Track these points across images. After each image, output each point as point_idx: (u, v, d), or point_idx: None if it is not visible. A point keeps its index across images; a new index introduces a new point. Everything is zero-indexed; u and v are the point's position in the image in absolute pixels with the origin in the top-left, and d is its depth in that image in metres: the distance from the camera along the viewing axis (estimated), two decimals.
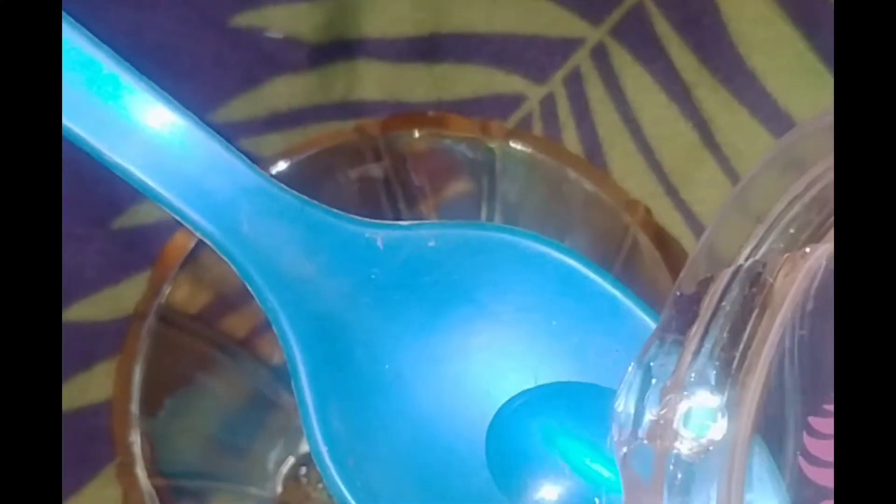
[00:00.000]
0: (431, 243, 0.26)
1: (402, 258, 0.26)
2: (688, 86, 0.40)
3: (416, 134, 0.36)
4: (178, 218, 0.24)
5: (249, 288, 0.25)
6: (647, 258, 0.35)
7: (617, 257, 0.36)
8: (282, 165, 0.35)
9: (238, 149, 0.40)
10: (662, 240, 0.35)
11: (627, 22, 0.41)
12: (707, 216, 0.39)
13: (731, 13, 0.41)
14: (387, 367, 0.26)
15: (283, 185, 0.25)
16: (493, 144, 0.36)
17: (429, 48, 0.41)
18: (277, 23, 0.41)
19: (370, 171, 0.36)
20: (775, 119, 0.40)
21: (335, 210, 0.26)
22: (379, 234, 0.25)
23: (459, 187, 0.37)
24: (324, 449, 0.25)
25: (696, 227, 0.39)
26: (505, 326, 0.26)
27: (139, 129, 0.24)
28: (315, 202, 0.25)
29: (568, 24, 0.41)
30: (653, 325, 0.26)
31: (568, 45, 0.41)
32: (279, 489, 0.37)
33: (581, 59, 0.41)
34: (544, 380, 0.26)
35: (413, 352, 0.26)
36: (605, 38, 0.41)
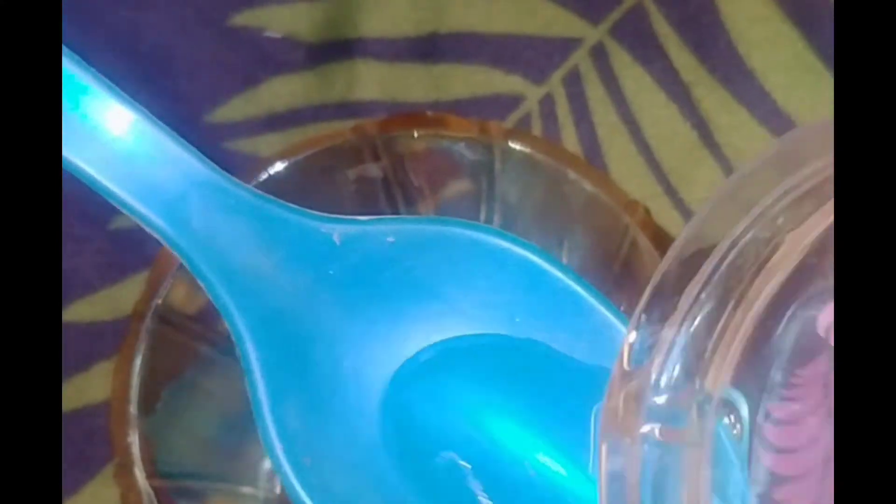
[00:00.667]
0: (390, 239, 0.26)
1: (360, 254, 0.25)
2: (687, 85, 0.40)
3: (415, 134, 0.36)
4: (124, 211, 0.24)
5: (200, 283, 0.25)
6: (646, 259, 0.35)
7: (616, 258, 0.36)
8: (280, 166, 0.35)
9: (236, 149, 0.40)
10: (662, 240, 0.35)
11: (626, 21, 0.41)
12: None
13: (730, 12, 0.40)
14: (346, 364, 0.25)
15: (235, 179, 0.25)
16: (492, 145, 0.36)
17: (427, 48, 0.41)
18: (276, 22, 0.41)
19: (368, 171, 0.36)
20: (775, 118, 0.40)
21: (290, 205, 0.25)
22: (336, 229, 0.25)
23: (458, 188, 0.37)
24: (278, 446, 0.25)
25: None
26: (467, 324, 0.26)
27: (85, 121, 0.24)
28: (270, 196, 0.25)
29: (567, 24, 0.41)
30: (616, 321, 0.26)
31: (567, 45, 0.41)
32: (277, 490, 0.37)
33: (580, 58, 0.41)
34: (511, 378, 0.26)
35: (373, 349, 0.25)
36: (604, 38, 0.41)
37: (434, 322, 0.26)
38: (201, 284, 0.25)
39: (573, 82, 0.41)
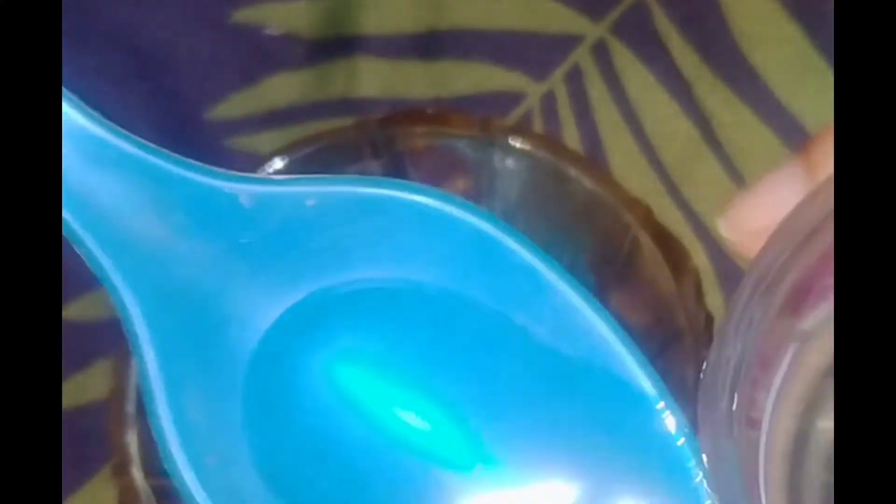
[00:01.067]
0: (310, 202, 0.21)
1: (276, 220, 0.21)
2: (689, 83, 0.40)
3: (416, 131, 0.36)
4: None
5: (80, 251, 0.22)
6: (648, 257, 0.35)
7: (618, 256, 0.35)
8: (279, 163, 0.35)
9: (236, 146, 0.40)
10: (663, 238, 0.35)
11: (628, 19, 0.41)
12: (707, 214, 0.39)
13: (733, 10, 0.40)
14: (262, 349, 0.22)
15: (121, 130, 0.21)
16: (492, 142, 0.36)
17: (428, 45, 0.41)
18: (276, 19, 0.41)
19: (368, 167, 0.36)
20: (777, 116, 0.39)
21: (188, 160, 0.21)
22: (243, 189, 0.21)
23: (459, 185, 0.37)
24: (173, 442, 0.21)
25: (697, 225, 0.39)
26: (406, 302, 0.22)
27: None
28: (162, 150, 0.21)
29: (568, 21, 0.41)
30: (579, 299, 0.22)
31: (568, 42, 0.41)
32: None
33: (581, 56, 0.41)
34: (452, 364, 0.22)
35: (294, 332, 0.22)
36: (605, 35, 0.40)
37: (367, 300, 0.22)
38: (82, 255, 0.22)
39: (575, 79, 0.40)
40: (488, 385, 0.22)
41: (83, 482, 0.39)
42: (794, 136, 0.39)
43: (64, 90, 0.22)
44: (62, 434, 0.38)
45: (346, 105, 0.41)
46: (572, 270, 0.34)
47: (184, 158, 0.21)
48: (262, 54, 0.41)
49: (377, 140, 0.35)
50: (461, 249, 0.22)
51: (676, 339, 0.34)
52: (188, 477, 0.21)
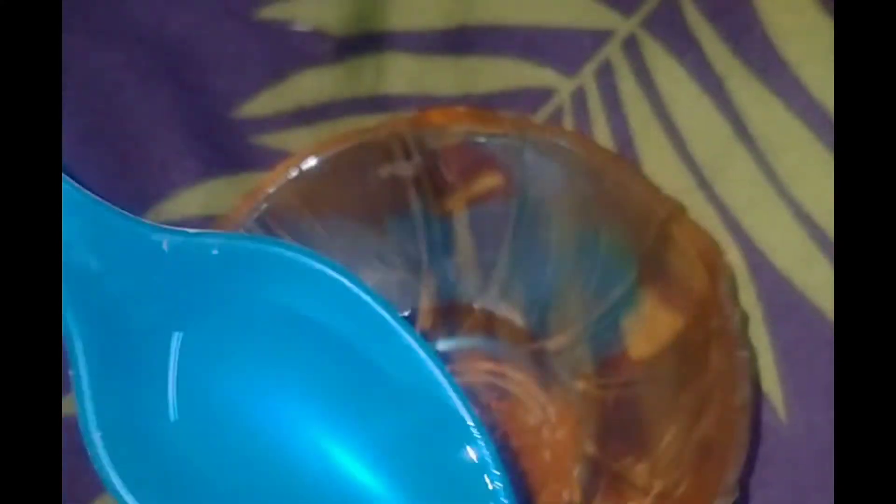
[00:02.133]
0: (215, 251, 0.28)
1: (186, 263, 0.27)
2: (720, 77, 0.40)
3: (446, 129, 0.36)
4: None
5: None
6: (681, 255, 0.34)
7: (651, 253, 0.35)
8: (311, 162, 0.35)
9: (263, 144, 0.40)
10: (697, 236, 0.35)
11: (658, 13, 0.40)
12: (741, 209, 0.39)
13: (765, 3, 0.40)
14: (171, 365, 0.27)
15: (75, 184, 0.27)
16: (523, 139, 0.36)
17: (457, 41, 0.41)
18: (304, 15, 0.41)
19: (400, 169, 0.36)
20: (810, 111, 0.39)
21: (126, 213, 0.27)
22: (165, 237, 0.27)
23: (489, 182, 0.37)
24: (96, 435, 0.27)
25: (730, 221, 0.39)
26: (276, 338, 0.28)
27: None
28: (105, 203, 0.27)
29: (598, 16, 0.40)
30: (416, 346, 0.28)
31: (598, 37, 0.40)
32: None
33: (612, 51, 0.40)
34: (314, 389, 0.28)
35: (196, 354, 0.27)
36: (636, 30, 0.40)
37: (249, 333, 0.28)
38: None
39: (605, 75, 0.40)
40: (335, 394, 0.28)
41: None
42: (827, 131, 0.39)
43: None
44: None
45: (374, 102, 0.40)
46: (605, 268, 0.34)
47: (125, 212, 0.27)
48: (290, 51, 0.41)
49: (408, 139, 0.35)
50: (323, 294, 0.28)
51: (711, 337, 0.34)
52: (107, 466, 0.27)
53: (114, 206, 0.27)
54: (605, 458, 0.36)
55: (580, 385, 0.37)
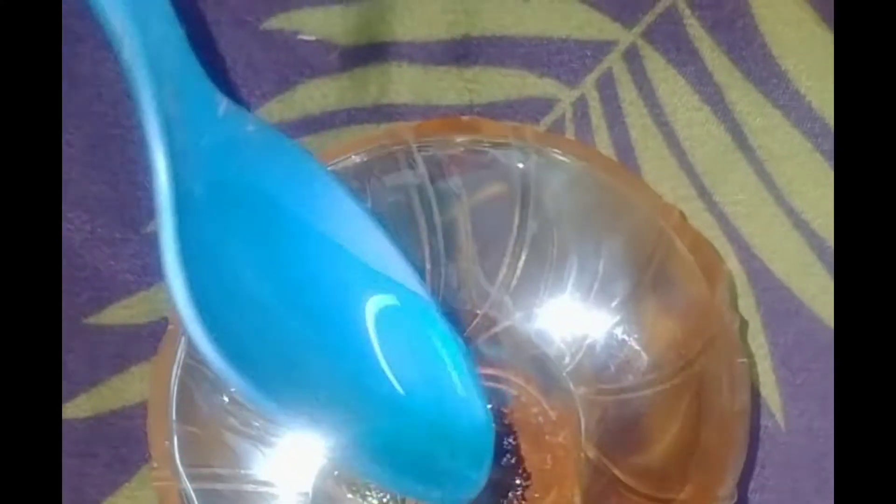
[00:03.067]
0: (250, 128, 0.33)
1: (229, 131, 0.32)
2: (721, 88, 0.40)
3: (450, 139, 0.36)
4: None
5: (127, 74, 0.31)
6: (681, 262, 0.35)
7: (651, 260, 0.36)
8: None
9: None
10: (697, 244, 0.35)
11: (660, 24, 0.41)
12: (740, 218, 0.39)
13: (765, 15, 0.40)
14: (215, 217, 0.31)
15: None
16: (525, 148, 0.36)
17: (461, 51, 0.41)
18: (310, 25, 0.41)
19: (405, 177, 0.36)
20: (809, 121, 0.40)
21: (207, 81, 0.32)
22: (224, 102, 0.32)
23: (492, 191, 0.37)
24: (179, 277, 0.30)
25: (730, 230, 0.39)
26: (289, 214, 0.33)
27: None
28: (201, 73, 0.32)
29: (600, 27, 0.41)
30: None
31: (600, 48, 0.41)
32: (309, 492, 0.37)
33: (613, 61, 0.41)
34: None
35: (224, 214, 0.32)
36: (637, 41, 0.41)
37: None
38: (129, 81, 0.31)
39: (607, 85, 0.40)
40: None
41: (120, 484, 0.39)
42: (826, 141, 0.39)
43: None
44: (99, 436, 0.39)
45: (379, 111, 0.41)
46: (606, 275, 0.35)
47: (206, 79, 0.32)
48: (296, 60, 0.41)
49: (412, 148, 0.36)
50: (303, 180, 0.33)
51: (711, 344, 0.34)
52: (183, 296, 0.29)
53: (203, 74, 0.32)
54: (606, 462, 0.36)
55: (581, 390, 0.37)
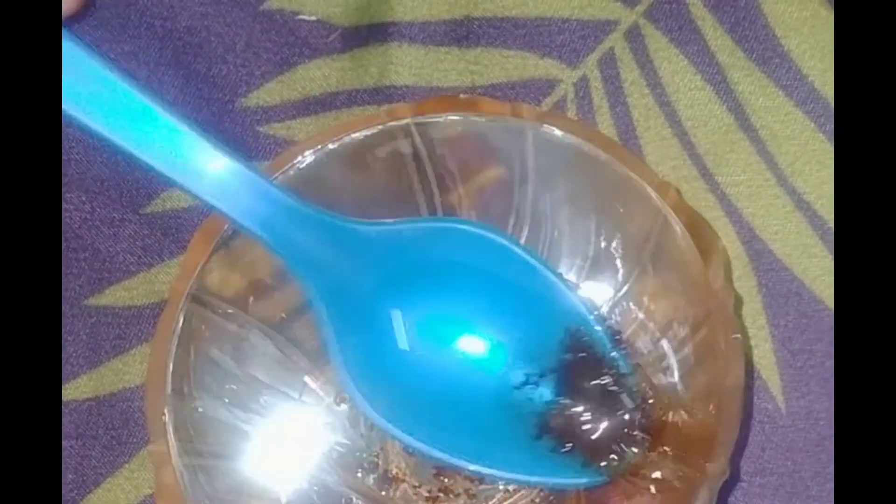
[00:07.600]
0: (407, 232, 0.35)
1: (389, 244, 0.35)
2: (722, 68, 0.40)
3: (448, 117, 0.36)
4: (238, 226, 0.33)
5: (288, 265, 0.34)
6: (678, 240, 0.35)
7: (649, 239, 0.36)
8: (317, 149, 0.35)
9: (270, 132, 0.40)
10: (693, 222, 0.35)
11: (661, 4, 0.40)
12: (741, 198, 0.39)
13: None
14: (385, 315, 0.36)
15: (303, 200, 0.33)
16: (525, 127, 0.36)
17: (462, 32, 0.41)
18: (310, 6, 0.41)
19: (398, 146, 0.36)
20: (811, 101, 0.39)
21: (341, 216, 0.34)
22: (373, 229, 0.35)
23: (492, 173, 0.37)
24: (345, 373, 0.35)
25: (731, 211, 0.39)
26: (459, 291, 0.36)
27: (207, 171, 0.32)
28: (326, 211, 0.34)
29: (602, 7, 0.41)
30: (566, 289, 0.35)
31: (602, 28, 0.40)
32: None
33: (615, 41, 0.40)
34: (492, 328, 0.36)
35: (402, 306, 0.36)
36: (639, 21, 0.40)
37: (440, 287, 0.36)
38: (289, 267, 0.34)
39: (608, 65, 0.40)
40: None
41: (120, 465, 0.39)
42: (828, 121, 0.39)
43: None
44: (99, 417, 0.39)
45: (380, 92, 0.41)
46: (604, 253, 0.35)
47: (342, 216, 0.34)
48: (297, 41, 0.41)
49: (411, 127, 0.36)
50: (493, 256, 0.36)
51: (706, 320, 0.34)
52: (356, 390, 0.35)
53: (336, 213, 0.34)
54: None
55: None
